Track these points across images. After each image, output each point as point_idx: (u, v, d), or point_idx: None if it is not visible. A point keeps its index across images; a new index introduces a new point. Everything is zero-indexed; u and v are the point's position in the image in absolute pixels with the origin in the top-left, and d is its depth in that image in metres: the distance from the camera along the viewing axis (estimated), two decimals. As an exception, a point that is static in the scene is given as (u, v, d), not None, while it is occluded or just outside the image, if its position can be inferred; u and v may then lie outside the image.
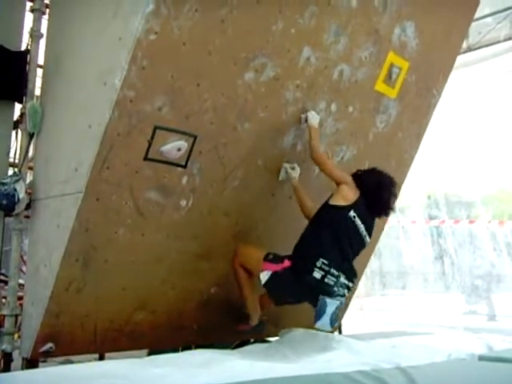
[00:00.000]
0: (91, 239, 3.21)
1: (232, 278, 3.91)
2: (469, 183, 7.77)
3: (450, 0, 4.28)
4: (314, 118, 3.68)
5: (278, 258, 3.54)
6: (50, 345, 3.30)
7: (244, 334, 3.94)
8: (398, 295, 8.53)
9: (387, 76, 4.11)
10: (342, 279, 3.44)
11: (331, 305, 3.39)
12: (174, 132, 3.22)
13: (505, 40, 6.38)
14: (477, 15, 5.26)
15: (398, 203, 5.80)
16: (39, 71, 3.73)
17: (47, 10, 3.79)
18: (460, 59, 5.60)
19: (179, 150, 3.27)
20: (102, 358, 4.01)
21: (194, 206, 3.49)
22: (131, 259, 3.40)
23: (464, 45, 6.10)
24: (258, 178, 3.72)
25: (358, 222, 3.55)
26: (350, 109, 3.99)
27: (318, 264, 3.38)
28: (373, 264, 7.14)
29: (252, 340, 4.31)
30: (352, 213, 3.53)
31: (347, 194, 3.56)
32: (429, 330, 5.82)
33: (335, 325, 3.52)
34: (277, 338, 4.14)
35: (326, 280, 3.38)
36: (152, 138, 3.15)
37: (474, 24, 5.91)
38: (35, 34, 3.70)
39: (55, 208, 3.34)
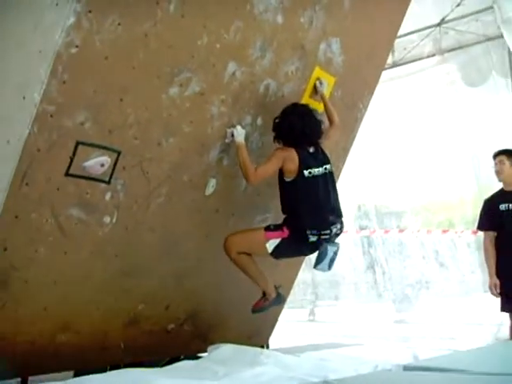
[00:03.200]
0: (10, 258, 3.09)
1: (160, 293, 3.87)
2: (398, 194, 7.96)
3: (374, 18, 4.38)
4: (240, 133, 3.69)
5: (278, 226, 3.79)
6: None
7: (264, 309, 3.95)
8: (330, 306, 8.63)
9: (313, 91, 4.16)
10: (334, 230, 3.77)
11: (331, 250, 3.77)
12: (96, 147, 3.15)
13: (428, 56, 6.59)
14: (402, 32, 5.42)
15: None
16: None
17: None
18: (386, 74, 5.75)
19: (102, 165, 3.21)
20: (24, 382, 3.86)
21: (118, 223, 3.42)
22: (53, 278, 3.30)
23: (390, 60, 6.25)
24: (184, 193, 3.68)
25: (315, 170, 3.75)
26: (277, 123, 4.01)
27: (309, 232, 3.69)
28: (305, 275, 7.19)
29: (182, 357, 4.26)
30: (305, 172, 3.72)
31: (289, 168, 3.71)
32: (360, 340, 5.90)
33: (331, 267, 3.90)
34: (205, 353, 4.12)
35: (322, 237, 3.71)
36: (74, 153, 3.08)
37: (399, 40, 6.09)
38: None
39: (-29, 226, 3.21)
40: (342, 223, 3.87)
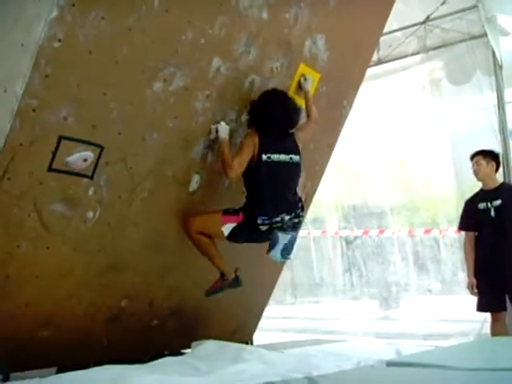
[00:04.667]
0: (-10, 254, 3.06)
1: (143, 289, 3.86)
2: (378, 194, 7.94)
3: (359, 15, 4.38)
4: (223, 130, 3.69)
5: (235, 211, 3.78)
6: None
7: (220, 290, 3.92)
8: (312, 302, 8.64)
9: (298, 87, 4.17)
10: (287, 218, 3.73)
11: (283, 239, 3.72)
12: (79, 142, 3.13)
13: (412, 54, 6.61)
14: (387, 29, 5.43)
15: (310, 215, 5.87)
16: None
17: None
18: (371, 71, 5.76)
19: (85, 160, 3.19)
20: (6, 379, 3.83)
21: (101, 218, 3.40)
22: (35, 274, 3.28)
23: (375, 57, 6.26)
24: (168, 189, 3.67)
25: (275, 155, 3.73)
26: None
27: (260, 221, 3.68)
28: (285, 275, 7.18)
29: (166, 353, 4.25)
30: (264, 156, 3.69)
31: (254, 154, 3.70)
32: (342, 337, 5.92)
33: (287, 257, 3.89)
34: (189, 349, 4.11)
35: (273, 227, 3.70)
36: (57, 148, 3.06)
37: (384, 38, 6.10)
38: None
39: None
40: (297, 214, 3.82)
